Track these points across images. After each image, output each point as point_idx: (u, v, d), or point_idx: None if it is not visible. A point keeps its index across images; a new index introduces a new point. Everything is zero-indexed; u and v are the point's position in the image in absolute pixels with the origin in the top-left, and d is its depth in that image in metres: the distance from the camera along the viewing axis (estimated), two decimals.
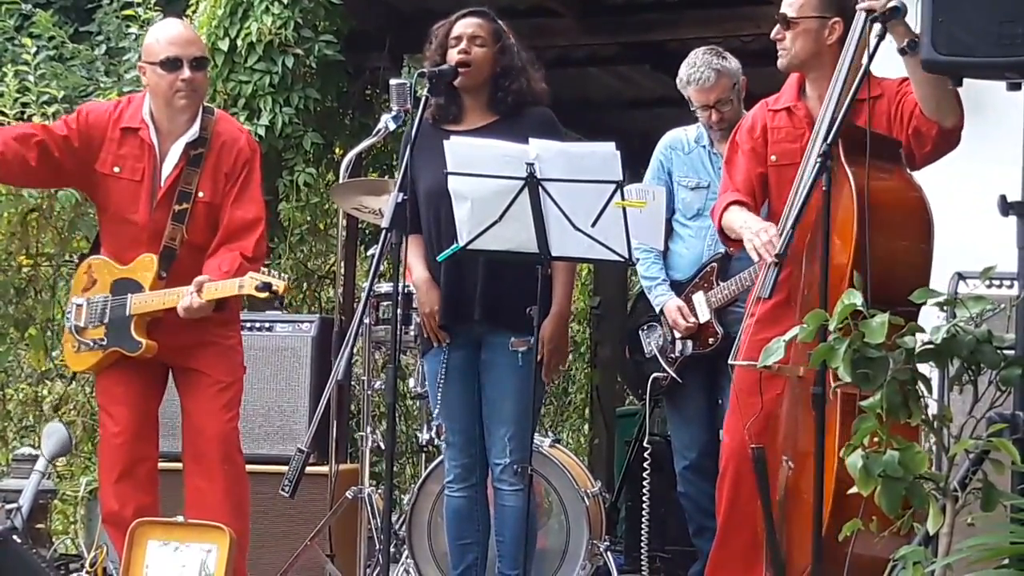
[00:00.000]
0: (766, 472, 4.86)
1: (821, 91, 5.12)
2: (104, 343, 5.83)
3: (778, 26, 5.24)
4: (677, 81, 6.57)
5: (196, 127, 5.79)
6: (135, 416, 5.84)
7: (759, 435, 4.94)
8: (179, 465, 5.93)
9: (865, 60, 4.71)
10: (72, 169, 5.85)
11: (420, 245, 5.65)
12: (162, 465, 6.01)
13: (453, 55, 5.58)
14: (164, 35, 5.79)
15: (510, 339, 5.52)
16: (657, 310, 6.57)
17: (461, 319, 5.58)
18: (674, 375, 6.48)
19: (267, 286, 5.52)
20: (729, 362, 5.14)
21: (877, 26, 4.71)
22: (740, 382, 5.14)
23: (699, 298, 6.42)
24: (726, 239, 5.37)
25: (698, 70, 6.48)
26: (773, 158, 5.31)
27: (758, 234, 5.04)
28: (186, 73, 5.71)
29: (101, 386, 5.99)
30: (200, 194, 5.78)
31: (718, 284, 6.38)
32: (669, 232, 6.62)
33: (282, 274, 5.65)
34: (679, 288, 6.52)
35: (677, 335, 6.50)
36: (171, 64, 5.72)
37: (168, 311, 5.70)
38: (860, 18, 4.95)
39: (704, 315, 6.41)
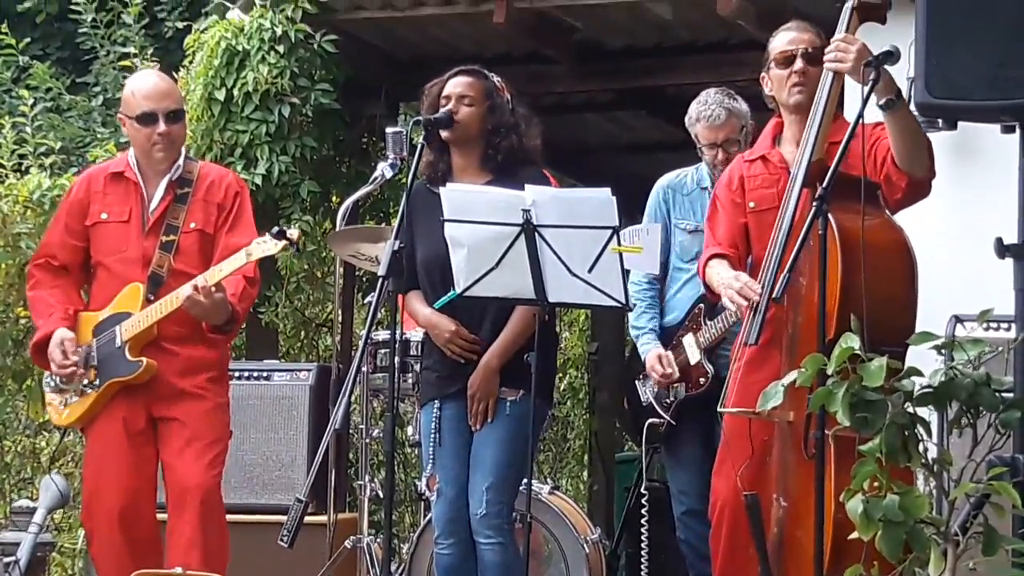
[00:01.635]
0: (760, 519, 4.85)
1: (799, 136, 5.15)
2: (97, 383, 5.75)
3: (803, 62, 5.25)
4: (686, 119, 6.57)
5: (180, 164, 5.84)
6: (130, 476, 5.72)
7: (752, 480, 4.94)
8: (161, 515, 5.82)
9: (859, 104, 4.72)
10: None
11: (419, 295, 5.63)
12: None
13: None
14: (139, 89, 5.85)
15: (500, 389, 5.50)
16: (643, 358, 6.56)
17: (453, 373, 5.57)
18: (669, 419, 6.46)
19: (281, 233, 5.49)
20: (719, 409, 5.13)
21: (870, 71, 4.72)
22: (730, 428, 5.14)
23: (688, 340, 6.41)
24: (712, 294, 5.41)
25: (709, 107, 6.49)
26: (751, 204, 5.33)
27: (730, 284, 5.10)
28: (161, 127, 5.76)
29: (93, 446, 5.85)
30: (191, 224, 5.78)
31: (706, 324, 6.38)
32: (666, 275, 6.62)
33: (293, 227, 5.61)
34: (674, 332, 6.51)
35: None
36: (147, 119, 5.78)
37: (158, 340, 5.66)
38: (827, 76, 4.99)
39: (694, 356, 6.40)
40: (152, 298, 5.70)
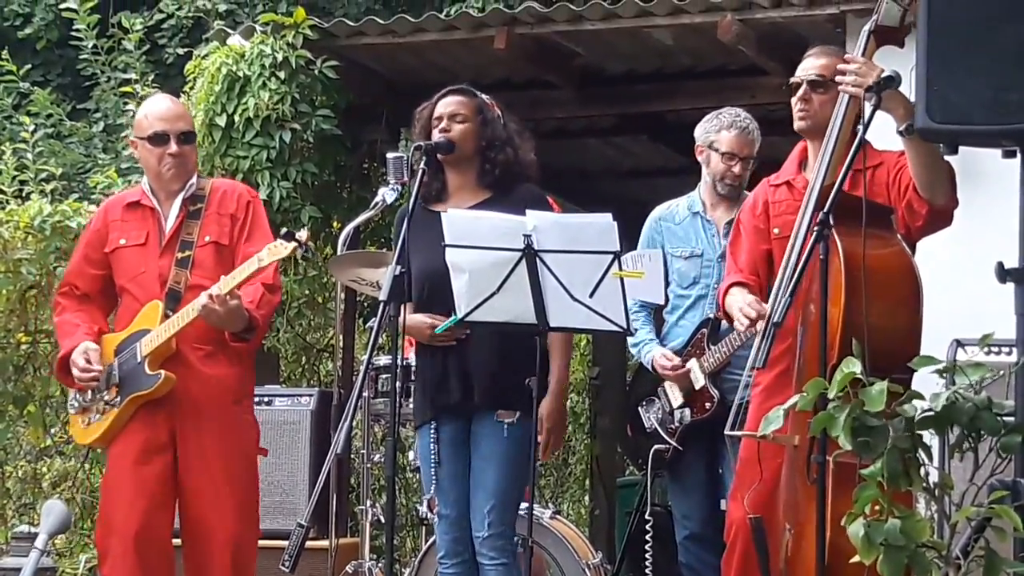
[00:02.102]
0: (765, 541, 4.85)
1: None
2: (118, 400, 5.73)
3: (805, 87, 5.26)
4: (706, 128, 6.53)
5: (192, 182, 5.88)
6: (147, 499, 5.68)
7: (763, 505, 4.94)
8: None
9: (860, 129, 4.73)
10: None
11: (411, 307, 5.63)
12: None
13: (436, 136, 5.60)
14: (152, 111, 5.91)
15: (496, 412, 5.50)
16: (648, 366, 6.56)
17: (448, 398, 5.57)
18: (675, 444, 6.46)
19: (290, 235, 5.47)
20: (726, 432, 5.13)
21: (872, 95, 4.73)
22: (743, 452, 5.14)
23: (692, 365, 6.42)
24: (729, 319, 5.40)
25: (743, 119, 6.51)
26: (776, 231, 5.33)
27: (739, 308, 5.12)
28: (173, 148, 5.81)
29: (113, 466, 5.82)
30: (206, 238, 5.80)
31: (709, 348, 6.39)
32: (666, 303, 6.62)
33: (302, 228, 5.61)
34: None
35: (675, 404, 6.49)
36: (158, 139, 5.82)
37: (179, 349, 5.66)
38: (844, 99, 5.00)
39: (699, 381, 6.40)
40: (171, 314, 5.70)
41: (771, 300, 4.99)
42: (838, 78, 5.01)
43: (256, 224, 5.87)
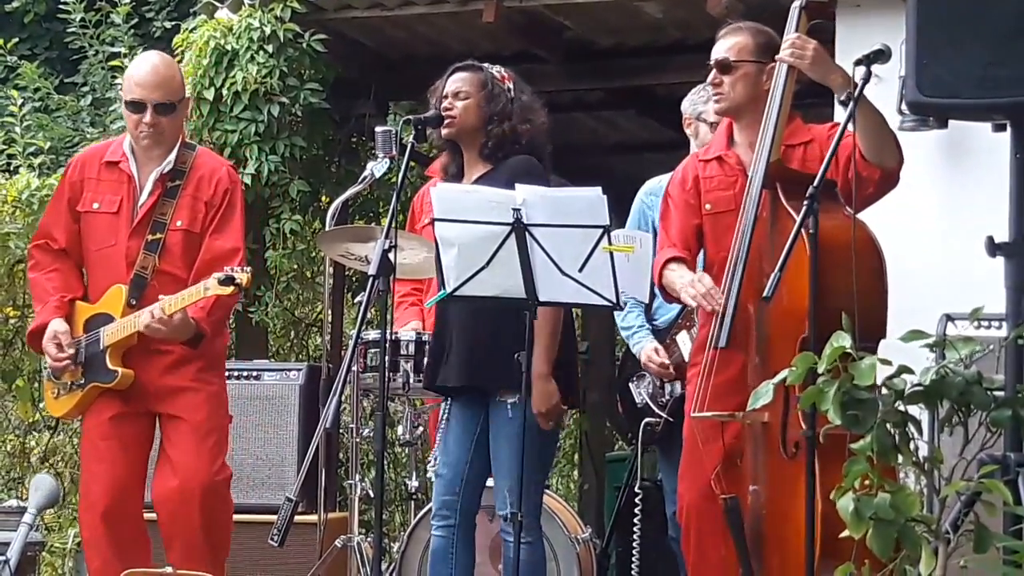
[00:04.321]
0: (740, 522, 4.86)
1: (751, 138, 5.17)
2: (82, 382, 5.77)
3: (715, 71, 5.27)
4: (693, 102, 6.52)
5: (171, 157, 5.77)
6: (117, 473, 5.74)
7: (730, 484, 4.96)
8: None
9: (852, 105, 4.71)
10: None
11: None
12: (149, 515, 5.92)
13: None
14: (134, 73, 5.80)
15: (498, 392, 5.50)
16: (637, 356, 6.55)
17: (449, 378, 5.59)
18: (666, 417, 6.45)
19: (230, 279, 5.44)
20: (692, 414, 5.12)
21: (862, 68, 4.72)
22: (700, 432, 5.13)
23: (682, 337, 6.40)
24: (667, 295, 5.42)
25: None
26: (708, 207, 5.33)
27: (693, 284, 5.11)
28: (148, 117, 5.71)
29: (85, 439, 5.90)
30: (178, 223, 5.75)
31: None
32: (651, 302, 6.60)
33: (245, 268, 5.53)
34: (667, 332, 6.50)
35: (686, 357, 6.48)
36: (135, 106, 5.74)
37: (142, 339, 5.65)
38: (782, 68, 5.01)
39: (688, 353, 6.39)
40: (134, 303, 5.69)
41: (725, 279, 4.99)
42: (778, 55, 5.01)
43: (228, 216, 5.81)
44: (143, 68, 5.82)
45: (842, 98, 4.86)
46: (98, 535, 5.73)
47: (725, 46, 5.29)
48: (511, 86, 5.70)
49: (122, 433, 5.77)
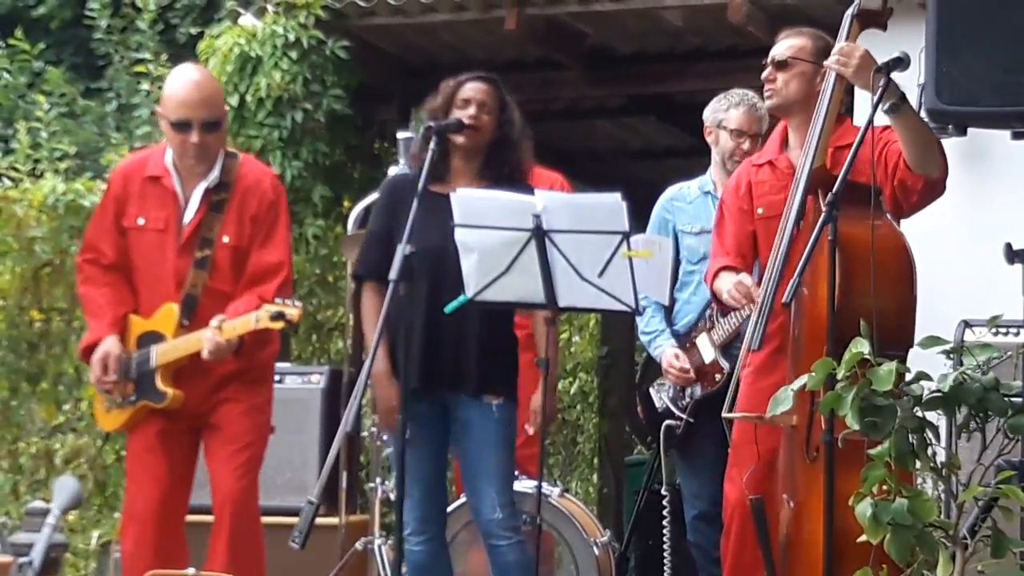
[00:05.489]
0: (766, 523, 4.88)
1: (803, 139, 5.17)
2: (133, 399, 5.74)
3: (770, 67, 5.30)
4: (715, 108, 6.55)
5: (216, 172, 5.69)
6: (162, 487, 5.73)
7: (760, 484, 4.96)
8: (208, 518, 5.82)
9: (870, 110, 4.74)
10: None
11: (379, 299, 5.39)
12: (192, 519, 5.91)
13: (459, 115, 5.53)
14: (175, 93, 5.66)
15: (482, 396, 5.49)
16: (657, 360, 6.58)
17: (432, 383, 5.50)
18: (687, 418, 6.47)
19: (280, 315, 5.47)
20: (724, 415, 5.15)
21: (881, 76, 4.74)
22: (737, 433, 5.16)
23: (703, 340, 6.42)
24: (720, 304, 5.48)
25: (751, 98, 6.53)
26: (760, 211, 5.36)
27: (731, 289, 5.15)
28: (194, 138, 5.60)
29: (131, 452, 5.87)
30: (225, 239, 5.69)
31: (719, 322, 6.40)
32: (675, 283, 6.63)
33: (295, 302, 5.55)
34: (687, 336, 6.53)
35: (706, 360, 6.49)
36: (181, 127, 5.62)
37: (193, 359, 5.62)
38: (830, 75, 5.02)
39: (709, 355, 6.40)
40: (187, 323, 5.66)
41: (764, 281, 5.01)
42: (826, 62, 5.05)
43: (274, 229, 5.76)
44: (185, 86, 5.67)
45: (885, 108, 4.87)
46: (140, 548, 5.72)
47: (784, 46, 5.34)
48: (517, 114, 5.66)
49: (168, 448, 5.76)
